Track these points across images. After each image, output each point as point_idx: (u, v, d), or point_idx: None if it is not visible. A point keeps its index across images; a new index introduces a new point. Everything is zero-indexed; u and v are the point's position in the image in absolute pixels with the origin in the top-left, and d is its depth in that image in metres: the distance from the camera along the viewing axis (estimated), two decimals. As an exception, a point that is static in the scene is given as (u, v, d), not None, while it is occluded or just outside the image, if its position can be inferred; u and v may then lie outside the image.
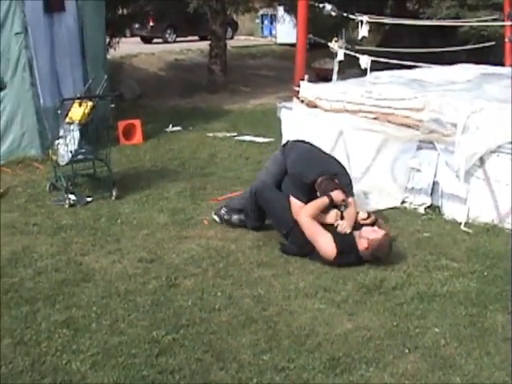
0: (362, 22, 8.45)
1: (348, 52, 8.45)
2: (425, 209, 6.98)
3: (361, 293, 5.04)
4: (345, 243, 5.49)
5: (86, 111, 7.23)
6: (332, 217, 5.79)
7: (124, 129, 10.53)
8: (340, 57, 8.44)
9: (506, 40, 10.32)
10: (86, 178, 7.93)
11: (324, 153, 6.51)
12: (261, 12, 28.21)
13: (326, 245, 5.47)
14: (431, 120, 6.85)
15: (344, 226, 5.66)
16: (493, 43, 11.83)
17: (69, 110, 7.32)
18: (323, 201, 5.74)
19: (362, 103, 7.56)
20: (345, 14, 8.70)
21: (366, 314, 4.71)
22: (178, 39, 27.38)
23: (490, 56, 14.59)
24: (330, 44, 8.41)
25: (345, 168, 6.40)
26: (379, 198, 7.14)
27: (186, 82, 17.39)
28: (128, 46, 19.80)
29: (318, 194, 5.88)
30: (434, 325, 4.55)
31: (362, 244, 5.48)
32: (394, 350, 4.22)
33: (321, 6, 8.34)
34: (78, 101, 7.34)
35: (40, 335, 4.34)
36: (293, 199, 5.89)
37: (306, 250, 5.63)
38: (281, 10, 21.84)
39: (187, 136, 11.25)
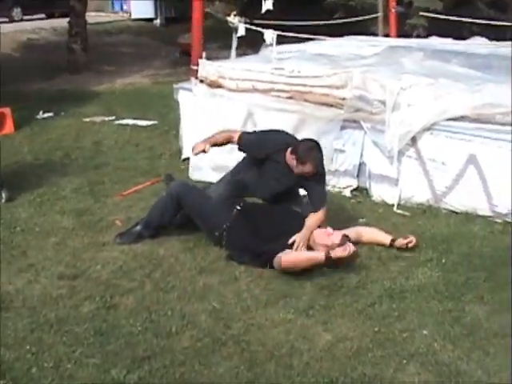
0: (266, -6, 7.87)
1: (249, 26, 7.85)
2: (351, 191, 6.60)
3: (323, 296, 4.55)
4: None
5: None
6: None
7: (-10, 119, 9.43)
8: (241, 32, 7.83)
9: (393, 10, 10.07)
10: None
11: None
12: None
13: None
14: (355, 98, 6.42)
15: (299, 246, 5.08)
16: (379, 14, 11.60)
17: None
18: (317, 257, 4.86)
19: (274, 81, 7.00)
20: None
21: (340, 320, 4.22)
22: (24, 17, 25.50)
23: (359, 27, 14.50)
24: (228, 18, 7.77)
25: None
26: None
27: (43, 63, 16.13)
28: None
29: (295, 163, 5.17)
30: (417, 326, 4.15)
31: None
32: (391, 362, 3.76)
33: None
34: None
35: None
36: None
37: (246, 252, 5.05)
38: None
39: (62, 122, 10.29)
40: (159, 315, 4.25)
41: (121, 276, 4.83)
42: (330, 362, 3.75)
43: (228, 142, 5.55)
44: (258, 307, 4.37)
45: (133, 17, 25.12)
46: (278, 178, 5.38)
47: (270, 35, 7.76)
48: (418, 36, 16.61)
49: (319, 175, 5.25)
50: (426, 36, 12.92)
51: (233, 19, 7.63)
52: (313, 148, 5.15)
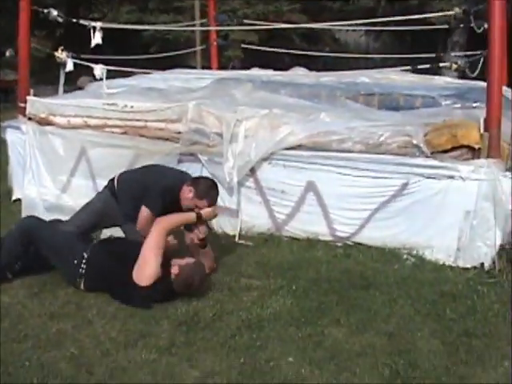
0: (94, 28, 7.70)
1: (79, 61, 7.66)
2: (190, 224, 6.56)
3: (182, 332, 4.48)
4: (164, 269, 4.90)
5: None
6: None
7: None
8: (69, 67, 7.62)
9: (214, 43, 10.23)
10: None
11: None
12: None
13: (153, 268, 4.81)
14: (191, 131, 6.43)
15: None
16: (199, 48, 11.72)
17: None
18: (189, 216, 5.15)
19: (107, 117, 6.88)
20: (74, 20, 7.87)
21: (203, 355, 4.18)
22: None
23: (176, 60, 14.61)
24: (56, 53, 7.54)
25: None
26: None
27: None
28: None
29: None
30: (281, 354, 4.18)
31: (173, 271, 4.91)
32: (263, 395, 3.76)
33: (45, 11, 7.42)
34: None
35: None
36: (145, 208, 5.31)
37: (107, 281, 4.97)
38: None
39: None
40: (16, 367, 4.00)
41: (-36, 329, 4.50)
42: (203, 399, 3.70)
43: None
44: (118, 349, 4.23)
45: None
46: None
47: (99, 70, 7.62)
48: (234, 67, 17.01)
49: None
50: (246, 68, 13.24)
51: (60, 54, 7.41)
52: (214, 186, 5.40)
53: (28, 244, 5.15)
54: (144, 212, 5.38)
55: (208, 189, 5.32)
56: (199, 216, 5.17)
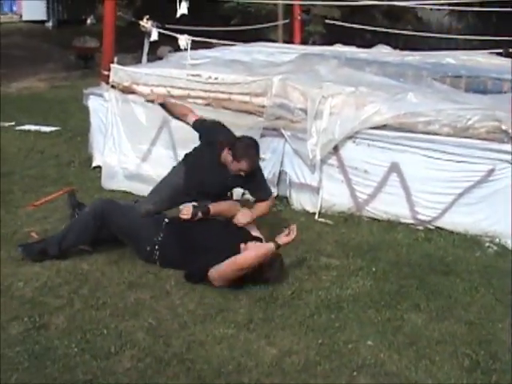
0: (181, -2, 7.69)
1: (163, 31, 7.66)
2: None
3: (261, 308, 4.46)
4: None
5: None
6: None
7: None
8: (154, 37, 7.63)
9: (298, 18, 10.13)
10: None
11: None
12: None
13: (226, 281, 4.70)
14: (275, 105, 6.36)
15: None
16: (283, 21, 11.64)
17: None
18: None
19: (190, 88, 6.85)
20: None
21: (281, 333, 4.15)
22: None
23: (257, 33, 14.56)
24: (141, 22, 7.55)
25: None
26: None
27: None
28: None
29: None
30: (360, 337, 4.12)
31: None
32: (341, 375, 3.73)
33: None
34: None
35: None
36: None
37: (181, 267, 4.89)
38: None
39: (-44, 127, 9.75)
40: (94, 334, 4.03)
41: (46, 293, 4.56)
42: (281, 377, 3.68)
43: (181, 118, 5.55)
44: (195, 323, 4.23)
45: (24, 18, 24.20)
46: (214, 178, 5.18)
47: (184, 40, 7.60)
48: (314, 43, 16.86)
49: (256, 170, 5.18)
50: (326, 43, 13.11)
51: (145, 23, 7.42)
52: (250, 145, 5.04)
53: (101, 228, 5.12)
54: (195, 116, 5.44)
55: (245, 148, 4.98)
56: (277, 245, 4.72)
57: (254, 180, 5.17)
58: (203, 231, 4.94)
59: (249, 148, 5.00)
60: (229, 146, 5.02)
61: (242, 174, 5.02)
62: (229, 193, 5.50)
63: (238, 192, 5.86)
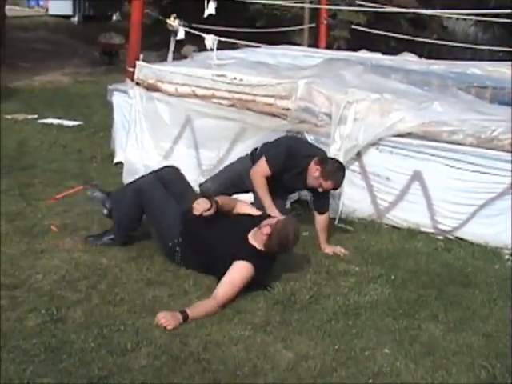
0: (209, -3, 7.69)
1: (189, 30, 7.67)
2: (291, 203, 6.51)
3: (278, 311, 4.44)
4: None
5: None
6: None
7: None
8: (181, 35, 7.65)
9: (325, 22, 10.11)
10: None
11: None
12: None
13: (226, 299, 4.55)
14: (300, 109, 6.36)
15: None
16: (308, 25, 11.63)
17: None
18: None
19: (215, 88, 6.87)
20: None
21: (298, 337, 4.12)
22: None
23: (281, 36, 14.56)
24: (168, 21, 7.58)
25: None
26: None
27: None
28: None
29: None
30: (377, 344, 4.10)
31: (264, 232, 4.64)
32: (357, 382, 3.69)
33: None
34: None
35: None
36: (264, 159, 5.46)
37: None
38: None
39: (-21, 119, 9.81)
40: (111, 330, 4.02)
41: (65, 286, 4.57)
42: (296, 381, 3.65)
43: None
44: (212, 323, 4.21)
45: (50, 13, 24.39)
46: (291, 181, 5.59)
47: (211, 40, 7.62)
48: (339, 48, 16.83)
49: None
50: (351, 49, 13.07)
51: (173, 22, 7.44)
52: (340, 169, 5.37)
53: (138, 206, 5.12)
54: (262, 162, 5.42)
55: (335, 170, 5.32)
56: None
57: (324, 194, 5.50)
58: (214, 231, 4.86)
59: (338, 171, 5.35)
60: (317, 162, 5.31)
61: (321, 190, 5.33)
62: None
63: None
